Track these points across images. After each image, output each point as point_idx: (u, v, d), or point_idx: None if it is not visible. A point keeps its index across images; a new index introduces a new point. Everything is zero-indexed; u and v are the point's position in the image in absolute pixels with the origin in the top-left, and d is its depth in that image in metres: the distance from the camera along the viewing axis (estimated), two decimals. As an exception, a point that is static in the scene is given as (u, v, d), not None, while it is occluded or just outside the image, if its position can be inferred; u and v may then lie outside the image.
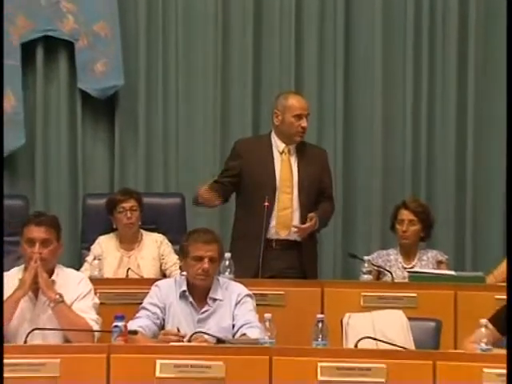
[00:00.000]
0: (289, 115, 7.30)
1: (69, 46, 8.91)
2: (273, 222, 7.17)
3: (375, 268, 7.35)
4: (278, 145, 7.38)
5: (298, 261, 7.23)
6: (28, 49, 8.85)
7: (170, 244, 7.36)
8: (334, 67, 9.19)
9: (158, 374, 5.25)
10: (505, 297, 5.96)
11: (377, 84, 9.23)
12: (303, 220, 7.11)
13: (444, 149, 9.20)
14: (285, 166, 7.33)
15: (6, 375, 5.00)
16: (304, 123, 7.22)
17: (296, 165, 7.32)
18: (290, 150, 7.32)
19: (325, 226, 7.54)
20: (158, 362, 5.26)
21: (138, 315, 5.89)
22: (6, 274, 5.93)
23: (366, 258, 7.27)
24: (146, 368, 5.23)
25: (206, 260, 5.86)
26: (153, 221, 7.66)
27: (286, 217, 7.19)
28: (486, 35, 9.38)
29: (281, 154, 7.33)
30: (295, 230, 7.08)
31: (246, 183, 7.33)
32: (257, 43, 9.16)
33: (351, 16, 9.28)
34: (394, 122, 9.24)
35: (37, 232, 5.83)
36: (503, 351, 5.46)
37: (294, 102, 7.40)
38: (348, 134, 9.20)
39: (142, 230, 7.51)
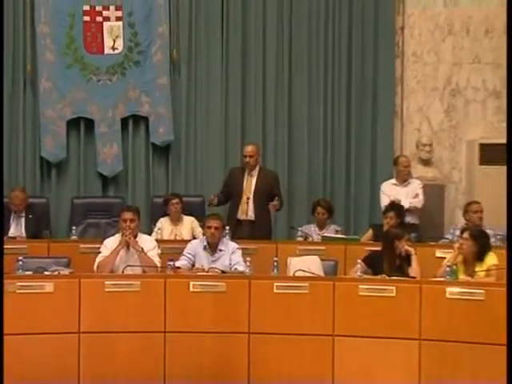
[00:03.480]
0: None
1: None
2: (240, 211, 9.20)
3: (304, 233, 9.22)
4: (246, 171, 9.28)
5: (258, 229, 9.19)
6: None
7: (197, 221, 9.08)
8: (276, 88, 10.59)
9: (191, 289, 6.87)
10: (372, 248, 7.81)
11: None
12: (256, 209, 9.18)
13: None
14: (248, 182, 9.29)
15: (111, 289, 6.71)
16: (247, 160, 9.22)
17: (254, 182, 9.25)
18: (250, 171, 9.27)
19: (279, 210, 9.40)
20: (191, 282, 6.88)
21: (180, 258, 7.58)
22: (113, 237, 7.62)
23: (299, 228, 9.34)
24: (184, 286, 6.86)
25: (213, 228, 7.63)
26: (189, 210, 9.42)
27: (246, 208, 9.25)
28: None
29: (247, 176, 9.31)
30: (271, 206, 9.08)
31: (230, 192, 9.31)
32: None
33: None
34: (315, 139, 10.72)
35: (127, 215, 7.57)
36: (369, 276, 7.22)
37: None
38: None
39: (182, 215, 9.21)
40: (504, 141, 10.20)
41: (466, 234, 7.42)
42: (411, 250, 7.67)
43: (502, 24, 10.67)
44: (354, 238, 9.31)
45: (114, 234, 7.81)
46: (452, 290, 6.76)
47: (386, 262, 7.45)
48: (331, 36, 10.66)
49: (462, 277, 7.18)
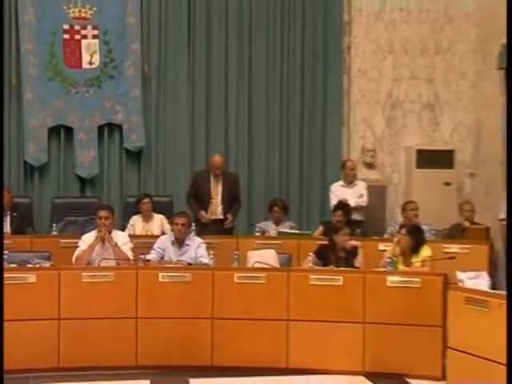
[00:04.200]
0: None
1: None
2: (209, 211, 9.18)
3: (262, 229, 9.23)
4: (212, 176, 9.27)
5: (223, 228, 9.15)
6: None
7: (165, 219, 9.05)
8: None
9: (160, 279, 6.87)
10: (322, 242, 7.74)
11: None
12: (224, 209, 9.17)
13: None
14: (214, 186, 9.26)
15: (87, 280, 6.68)
16: (217, 172, 9.16)
17: (220, 185, 9.23)
18: (217, 177, 9.23)
19: (236, 215, 9.35)
20: (160, 273, 6.88)
21: (150, 252, 7.54)
22: (90, 233, 7.60)
23: (257, 224, 9.34)
24: (154, 277, 6.86)
25: (180, 225, 7.61)
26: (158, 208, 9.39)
27: (215, 209, 9.23)
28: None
29: (214, 180, 9.26)
30: (228, 222, 9.13)
31: (198, 194, 9.26)
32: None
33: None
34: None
35: (103, 213, 7.55)
36: (319, 267, 7.26)
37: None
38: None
39: (152, 213, 9.19)
40: (436, 147, 10.77)
41: (403, 230, 7.47)
42: (358, 243, 7.71)
43: (434, 45, 10.94)
44: (306, 233, 9.32)
45: (90, 230, 7.78)
46: (392, 279, 6.82)
47: (332, 254, 7.47)
48: (286, 55, 10.74)
49: (401, 267, 7.22)
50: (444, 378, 6.09)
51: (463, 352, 5.73)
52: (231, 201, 9.27)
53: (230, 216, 9.12)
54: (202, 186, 9.27)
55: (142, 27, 10.32)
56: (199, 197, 9.23)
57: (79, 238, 7.69)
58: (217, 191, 9.25)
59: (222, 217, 9.20)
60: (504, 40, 9.73)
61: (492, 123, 10.46)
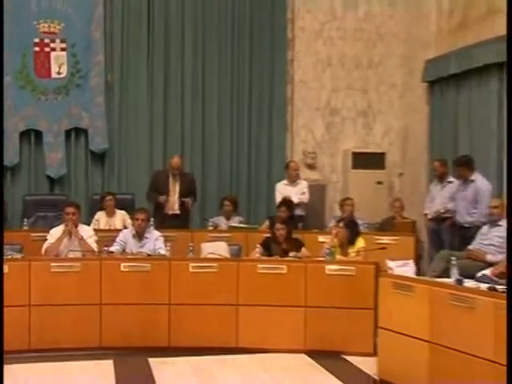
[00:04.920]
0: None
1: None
2: (168, 207, 9.16)
3: (214, 223, 9.23)
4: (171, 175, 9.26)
5: (180, 222, 9.15)
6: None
7: (127, 214, 8.97)
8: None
9: (122, 269, 6.86)
10: (268, 235, 7.66)
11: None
12: (180, 206, 9.17)
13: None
14: (172, 184, 9.25)
15: (56, 270, 6.65)
16: (175, 172, 9.21)
17: (178, 184, 9.23)
18: (175, 176, 9.25)
19: (194, 201, 9.40)
20: (122, 264, 6.89)
21: (113, 244, 7.52)
22: (58, 227, 7.53)
23: (210, 219, 9.35)
24: (116, 266, 6.86)
25: (140, 220, 7.61)
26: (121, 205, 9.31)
27: (173, 205, 9.19)
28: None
29: (172, 180, 9.27)
30: (186, 201, 9.14)
31: (158, 192, 9.23)
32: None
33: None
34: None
35: (70, 209, 7.53)
36: (265, 257, 7.27)
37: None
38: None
39: (115, 209, 9.14)
40: (370, 150, 10.86)
41: (341, 223, 7.51)
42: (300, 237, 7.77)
43: (367, 60, 11.05)
44: (254, 227, 9.32)
45: (58, 225, 7.70)
46: (330, 267, 6.87)
47: (276, 245, 7.47)
48: (236, 67, 10.76)
49: (338, 257, 7.27)
50: (375, 353, 6.12)
51: (391, 331, 5.77)
52: (187, 198, 9.25)
53: (186, 200, 9.14)
54: (160, 185, 9.25)
55: (106, 41, 10.25)
56: (158, 194, 9.19)
57: (48, 232, 7.60)
58: (174, 189, 9.23)
59: (178, 212, 9.19)
60: (427, 57, 10.16)
61: (417, 129, 10.62)
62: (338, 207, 9.76)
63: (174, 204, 9.21)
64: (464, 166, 8.29)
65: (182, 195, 9.24)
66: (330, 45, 11.00)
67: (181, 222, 9.15)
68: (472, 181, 8.22)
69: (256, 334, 6.82)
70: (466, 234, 8.09)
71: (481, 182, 8.20)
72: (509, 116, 5.42)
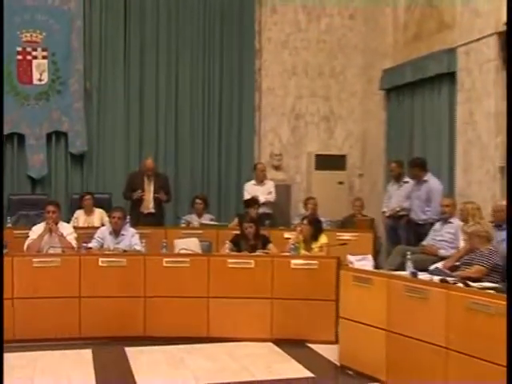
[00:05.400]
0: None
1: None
2: (143, 206, 9.14)
3: (187, 221, 9.16)
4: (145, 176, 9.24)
5: (155, 219, 9.12)
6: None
7: (105, 212, 8.90)
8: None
9: (100, 264, 6.84)
10: (237, 232, 7.64)
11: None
12: (155, 205, 9.14)
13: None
14: (147, 185, 9.24)
15: (37, 265, 6.60)
16: (149, 173, 9.21)
17: (152, 184, 9.20)
18: (149, 177, 9.22)
19: (167, 202, 9.39)
20: (100, 259, 6.88)
21: (92, 241, 7.47)
22: (39, 225, 7.45)
23: (183, 217, 9.28)
24: (94, 262, 6.83)
25: (116, 218, 7.57)
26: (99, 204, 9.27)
27: (147, 204, 9.18)
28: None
29: (147, 180, 9.24)
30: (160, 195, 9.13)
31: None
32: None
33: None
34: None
35: (50, 208, 7.45)
36: (234, 252, 7.24)
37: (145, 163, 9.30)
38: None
39: (93, 207, 9.07)
40: (331, 153, 10.90)
41: (305, 221, 7.51)
42: (267, 234, 7.75)
43: (329, 69, 11.10)
44: (224, 224, 9.27)
45: (40, 223, 7.63)
46: (295, 262, 6.88)
47: (245, 241, 7.46)
48: (208, 75, 10.76)
49: (303, 252, 7.27)
50: (337, 341, 6.14)
51: (352, 320, 5.80)
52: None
53: (160, 195, 9.11)
54: (136, 185, 9.21)
55: (85, 50, 10.21)
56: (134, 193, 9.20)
57: (30, 229, 7.53)
58: (149, 189, 9.20)
59: (153, 211, 9.15)
60: (384, 66, 10.23)
61: (375, 133, 10.68)
62: (302, 206, 9.75)
63: (148, 203, 9.17)
64: (417, 167, 8.35)
65: (156, 195, 9.21)
66: (295, 55, 11.03)
67: (155, 220, 9.11)
68: (425, 181, 8.28)
69: (226, 324, 6.80)
70: (420, 230, 8.14)
71: (433, 182, 8.27)
72: (509, 116, 5.27)
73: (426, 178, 8.30)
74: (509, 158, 4.96)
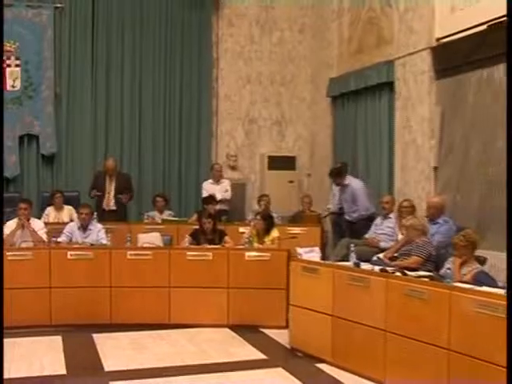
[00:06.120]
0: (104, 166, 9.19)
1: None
2: (105, 203, 9.06)
3: (149, 217, 9.11)
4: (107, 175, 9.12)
5: (116, 216, 9.00)
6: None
7: (73, 209, 8.75)
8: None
9: (69, 257, 6.82)
10: (196, 227, 7.58)
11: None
12: (116, 203, 9.04)
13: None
14: (109, 184, 9.14)
15: (11, 258, 6.48)
16: (110, 172, 9.10)
17: (113, 183, 9.09)
18: (111, 176, 9.12)
19: (130, 200, 9.33)
20: (69, 252, 6.88)
21: (61, 236, 7.42)
22: (13, 221, 7.35)
23: (146, 213, 9.26)
24: (64, 255, 6.82)
25: (84, 214, 7.52)
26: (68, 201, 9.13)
27: (109, 202, 9.11)
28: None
29: (109, 179, 9.15)
30: (121, 198, 9.02)
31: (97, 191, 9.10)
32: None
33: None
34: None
35: (23, 205, 7.39)
36: (194, 246, 7.19)
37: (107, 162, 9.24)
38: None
39: (63, 204, 8.97)
40: (283, 154, 10.93)
41: (258, 216, 7.55)
42: (223, 228, 7.74)
43: (280, 77, 11.12)
44: (184, 219, 9.22)
45: (13, 219, 7.52)
46: (249, 254, 6.90)
47: (203, 236, 7.45)
48: (169, 82, 10.65)
49: (256, 245, 7.30)
50: (287, 326, 6.15)
51: (301, 307, 5.83)
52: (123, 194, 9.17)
53: (122, 196, 9.00)
54: (99, 185, 9.12)
55: (55, 59, 10.05)
56: (98, 191, 9.08)
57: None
58: (110, 188, 9.10)
59: (114, 208, 9.05)
60: (330, 76, 10.26)
61: (322, 136, 10.69)
62: (256, 202, 9.75)
63: (110, 201, 9.07)
64: (336, 176, 8.48)
65: (117, 193, 9.10)
66: (249, 64, 11.02)
67: (117, 216, 8.98)
68: (347, 185, 8.38)
69: (186, 312, 6.78)
70: (354, 227, 8.26)
71: (354, 184, 8.39)
72: (509, 115, 5.14)
73: (347, 183, 8.39)
74: (509, 158, 4.84)
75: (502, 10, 6.41)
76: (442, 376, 4.42)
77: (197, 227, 7.64)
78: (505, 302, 4.04)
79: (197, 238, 7.42)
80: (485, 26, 6.79)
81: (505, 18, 6.44)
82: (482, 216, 7.07)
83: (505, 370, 3.87)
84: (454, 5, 7.38)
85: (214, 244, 7.31)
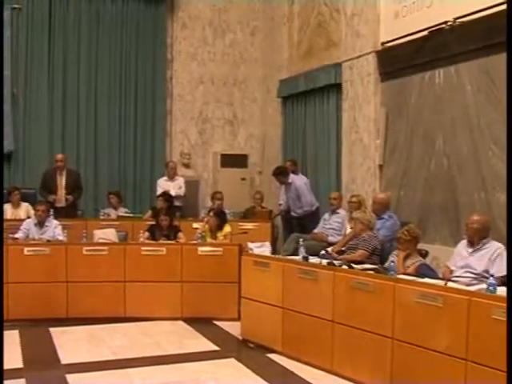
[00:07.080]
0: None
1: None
2: (56, 201, 8.72)
3: (105, 213, 8.98)
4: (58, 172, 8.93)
5: (67, 213, 8.61)
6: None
7: (30, 206, 8.52)
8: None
9: (25, 253, 6.71)
10: (151, 222, 7.57)
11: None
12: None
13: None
14: (59, 180, 8.91)
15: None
16: (58, 164, 8.86)
17: (64, 179, 8.90)
18: (62, 174, 8.92)
19: (77, 198, 9.05)
20: (25, 248, 6.77)
21: (18, 232, 7.27)
22: None
23: (101, 210, 9.09)
24: (20, 251, 6.70)
25: (40, 211, 7.34)
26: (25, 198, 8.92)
27: (60, 198, 8.80)
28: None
29: (59, 176, 8.93)
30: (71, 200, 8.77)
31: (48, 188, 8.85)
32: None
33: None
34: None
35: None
36: (149, 241, 7.12)
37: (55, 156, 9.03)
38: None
39: (20, 201, 8.76)
40: (235, 152, 10.92)
41: (211, 213, 7.54)
42: (177, 224, 7.70)
43: (233, 78, 11.12)
44: (139, 215, 9.17)
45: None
46: (202, 249, 6.87)
47: (158, 231, 7.40)
48: (124, 83, 10.56)
49: (209, 240, 7.28)
50: (239, 318, 6.16)
51: (252, 300, 5.85)
52: (73, 191, 8.93)
53: (69, 197, 8.80)
54: (49, 181, 8.91)
55: (12, 59, 9.85)
56: (48, 189, 8.85)
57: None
58: (61, 184, 8.90)
59: (65, 205, 8.81)
60: (280, 77, 10.31)
61: (273, 135, 10.75)
62: (209, 199, 9.73)
63: (61, 198, 8.82)
64: (279, 176, 8.55)
65: (68, 189, 8.90)
66: (203, 66, 11.00)
67: (67, 213, 8.68)
68: (290, 183, 8.46)
69: (141, 306, 6.74)
70: (301, 222, 8.35)
71: (297, 182, 8.47)
72: (509, 116, 5.10)
73: (290, 181, 8.47)
74: (509, 158, 4.88)
75: (442, 17, 6.63)
76: (385, 363, 4.47)
77: (153, 223, 7.58)
78: (445, 293, 4.12)
79: (153, 233, 7.37)
80: (426, 32, 6.92)
81: (443, 26, 6.64)
82: (424, 212, 7.17)
83: (440, 354, 4.01)
84: (398, 11, 7.50)
85: (170, 239, 7.27)
